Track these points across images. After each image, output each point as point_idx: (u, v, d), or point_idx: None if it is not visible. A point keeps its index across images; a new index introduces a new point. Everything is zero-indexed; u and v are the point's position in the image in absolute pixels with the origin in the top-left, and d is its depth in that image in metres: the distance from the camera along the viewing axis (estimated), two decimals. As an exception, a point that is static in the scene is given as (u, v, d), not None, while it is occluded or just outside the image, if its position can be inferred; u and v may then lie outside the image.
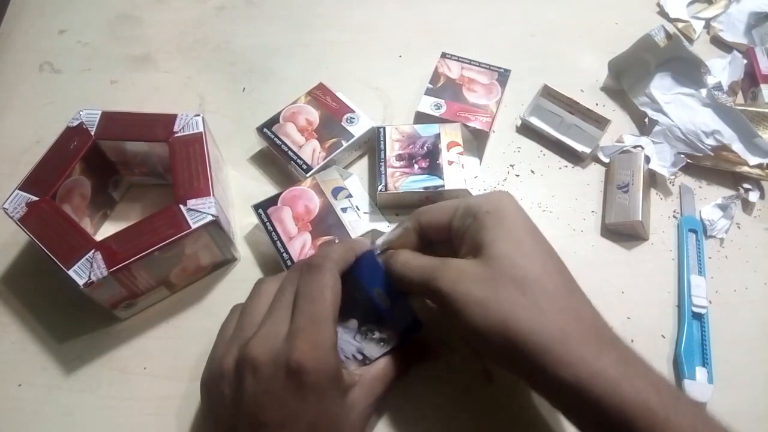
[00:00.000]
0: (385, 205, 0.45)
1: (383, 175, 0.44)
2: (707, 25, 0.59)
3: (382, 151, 0.45)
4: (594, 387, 0.27)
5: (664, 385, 0.27)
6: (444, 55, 0.52)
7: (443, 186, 0.43)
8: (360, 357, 0.35)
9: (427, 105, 0.49)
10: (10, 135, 0.50)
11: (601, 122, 0.48)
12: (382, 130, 0.47)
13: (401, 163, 0.45)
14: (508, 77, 0.51)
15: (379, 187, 0.44)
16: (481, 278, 0.30)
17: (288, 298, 0.32)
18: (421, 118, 0.49)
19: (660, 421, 0.26)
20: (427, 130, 0.46)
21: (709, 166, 0.48)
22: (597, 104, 0.53)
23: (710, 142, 0.48)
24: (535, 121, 0.50)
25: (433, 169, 0.44)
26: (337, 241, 0.40)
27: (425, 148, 0.45)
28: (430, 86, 0.50)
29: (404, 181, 0.44)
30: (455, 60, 0.52)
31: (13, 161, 0.48)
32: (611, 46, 0.54)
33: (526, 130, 0.51)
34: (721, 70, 0.53)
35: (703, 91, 0.50)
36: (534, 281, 0.29)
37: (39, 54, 0.56)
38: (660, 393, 0.27)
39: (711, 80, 0.50)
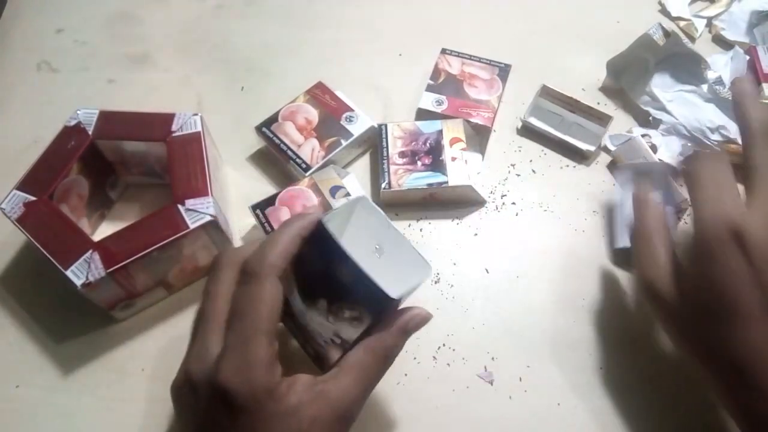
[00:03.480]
0: (389, 203, 0.45)
1: (386, 173, 0.44)
2: (709, 24, 0.59)
3: (385, 149, 0.45)
4: None
5: None
6: (444, 51, 0.52)
7: (447, 182, 0.43)
8: (338, 341, 0.31)
9: (429, 101, 0.48)
10: (7, 135, 0.50)
11: (603, 119, 0.47)
12: (383, 127, 0.46)
13: (404, 160, 0.44)
14: (508, 72, 0.50)
15: (383, 185, 0.43)
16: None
17: (216, 305, 0.30)
18: (423, 114, 0.48)
19: None
20: (429, 127, 0.46)
21: None
22: (598, 103, 0.52)
23: (716, 137, 0.47)
24: (535, 122, 0.50)
25: (437, 165, 0.44)
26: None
27: (428, 144, 0.45)
28: (431, 82, 0.50)
29: (407, 178, 0.43)
30: (455, 56, 0.52)
31: (10, 161, 0.47)
32: (612, 44, 0.53)
33: (526, 130, 0.51)
34: (723, 66, 0.53)
35: (705, 87, 0.50)
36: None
37: (36, 53, 0.56)
38: None
39: (711, 75, 0.50)
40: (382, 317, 0.31)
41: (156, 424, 0.37)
